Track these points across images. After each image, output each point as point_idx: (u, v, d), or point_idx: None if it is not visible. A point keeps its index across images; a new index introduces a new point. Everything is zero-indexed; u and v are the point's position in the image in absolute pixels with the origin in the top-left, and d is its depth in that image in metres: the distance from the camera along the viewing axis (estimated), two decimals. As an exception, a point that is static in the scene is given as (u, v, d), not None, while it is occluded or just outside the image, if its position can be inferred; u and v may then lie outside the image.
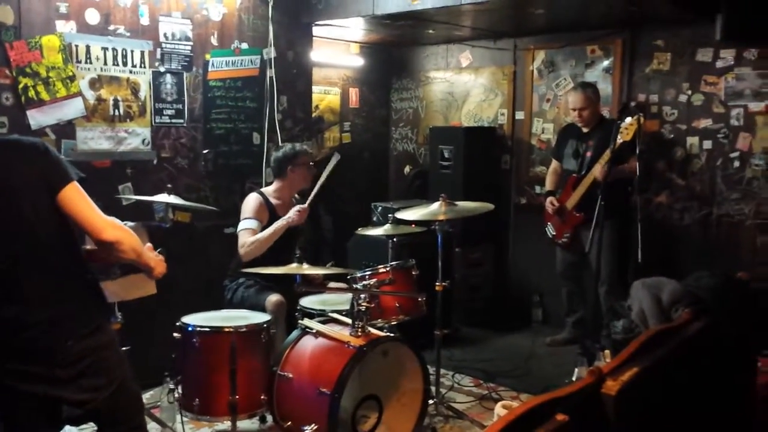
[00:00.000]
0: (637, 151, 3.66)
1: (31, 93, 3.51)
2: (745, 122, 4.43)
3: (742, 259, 4.42)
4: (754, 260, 4.36)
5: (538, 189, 5.34)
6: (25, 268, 2.03)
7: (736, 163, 4.49)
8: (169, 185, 3.56)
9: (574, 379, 2.58)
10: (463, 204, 3.73)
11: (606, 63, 4.99)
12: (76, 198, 2.04)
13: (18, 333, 2.02)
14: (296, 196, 4.01)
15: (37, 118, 3.54)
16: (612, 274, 4.40)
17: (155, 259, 2.26)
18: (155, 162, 4.04)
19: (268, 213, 3.76)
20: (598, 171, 4.28)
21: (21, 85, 3.47)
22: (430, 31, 5.28)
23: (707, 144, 4.59)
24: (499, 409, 2.84)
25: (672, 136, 4.73)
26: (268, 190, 3.89)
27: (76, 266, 2.13)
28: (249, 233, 3.65)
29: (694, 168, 4.65)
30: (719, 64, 4.51)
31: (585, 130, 4.56)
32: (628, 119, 3.96)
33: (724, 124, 4.51)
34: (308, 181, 3.90)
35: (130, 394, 2.27)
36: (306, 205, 3.75)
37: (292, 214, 3.69)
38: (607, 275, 4.37)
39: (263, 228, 3.68)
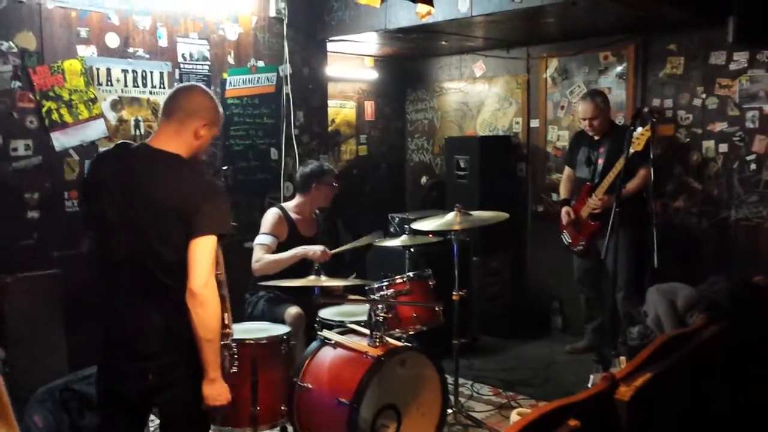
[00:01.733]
0: (651, 157, 3.66)
1: (55, 116, 3.62)
2: (761, 124, 4.42)
3: (760, 262, 4.38)
4: (774, 263, 4.33)
5: (554, 197, 5.35)
6: (156, 271, 2.15)
7: (753, 166, 4.46)
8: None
9: (589, 385, 2.59)
10: (477, 213, 3.76)
11: (619, 69, 5.00)
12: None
13: (140, 334, 2.15)
14: (317, 211, 4.05)
15: (60, 140, 3.64)
16: (629, 280, 4.39)
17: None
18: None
19: (288, 227, 3.79)
20: (595, 204, 4.40)
21: (45, 109, 3.58)
22: (443, 43, 5.33)
23: (723, 147, 4.57)
24: (514, 416, 2.86)
25: (687, 140, 4.72)
26: (289, 204, 3.92)
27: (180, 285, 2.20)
28: (263, 249, 3.68)
29: (711, 172, 4.63)
30: (733, 66, 4.50)
31: (596, 137, 4.57)
32: (640, 129, 3.97)
33: (740, 126, 4.50)
34: (329, 200, 3.94)
35: None
36: (331, 252, 3.73)
37: (315, 250, 3.65)
38: (624, 281, 4.36)
39: (280, 242, 3.72)
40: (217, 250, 2.18)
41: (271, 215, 3.80)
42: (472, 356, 4.66)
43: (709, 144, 4.63)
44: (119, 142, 2.37)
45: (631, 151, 3.99)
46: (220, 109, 2.33)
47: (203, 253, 2.10)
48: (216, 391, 2.21)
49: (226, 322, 2.23)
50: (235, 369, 2.41)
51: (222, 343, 2.22)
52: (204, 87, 2.37)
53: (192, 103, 2.25)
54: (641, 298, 4.12)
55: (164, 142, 2.21)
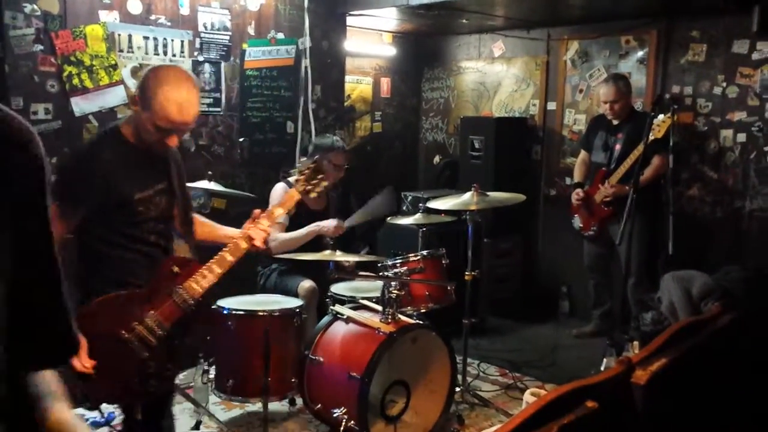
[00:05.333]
0: (671, 144, 3.65)
1: (76, 81, 3.62)
2: (781, 116, 4.39)
3: (774, 253, 4.38)
4: (787, 255, 4.32)
5: (568, 180, 5.34)
6: None
7: (771, 157, 4.44)
8: (210, 172, 3.64)
9: (602, 369, 2.61)
10: (494, 194, 3.75)
11: (640, 54, 4.95)
12: None
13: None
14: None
15: (80, 105, 3.65)
16: (641, 266, 4.39)
17: None
18: (192, 149, 4.13)
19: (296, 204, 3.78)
20: (607, 191, 4.40)
21: (66, 73, 3.58)
22: (464, 21, 5.29)
23: (741, 137, 4.54)
24: (528, 397, 2.88)
25: (705, 128, 4.69)
26: None
27: None
28: (277, 227, 3.66)
29: (728, 161, 4.61)
30: (755, 56, 4.45)
31: (615, 122, 4.55)
32: (661, 116, 3.95)
33: (759, 117, 4.46)
34: (335, 177, 3.85)
35: None
36: (345, 224, 3.69)
37: (329, 225, 3.64)
38: (636, 268, 4.36)
39: (291, 218, 3.69)
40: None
41: (279, 190, 3.74)
42: (479, 336, 4.69)
43: (727, 133, 4.60)
44: None
45: (651, 137, 3.98)
46: (163, 94, 2.08)
47: None
48: None
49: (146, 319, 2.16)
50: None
51: None
52: (176, 68, 2.21)
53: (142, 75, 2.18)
54: (652, 284, 4.13)
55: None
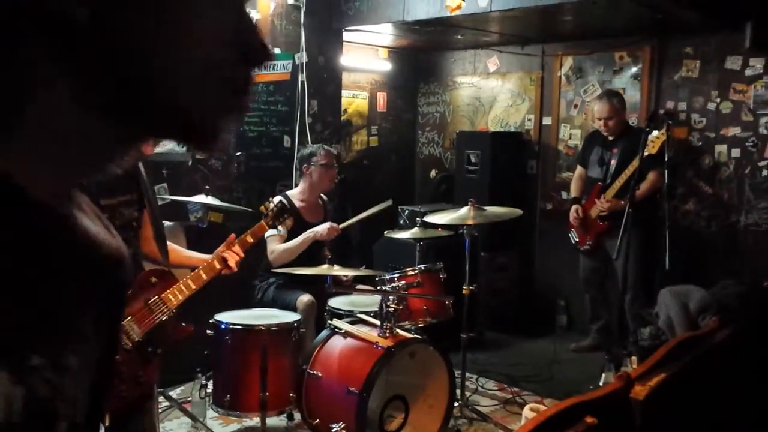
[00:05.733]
0: (666, 159, 3.68)
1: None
2: (775, 131, 4.43)
3: (769, 268, 4.40)
4: (782, 269, 4.34)
5: (564, 195, 5.36)
6: None
7: (765, 172, 4.47)
8: (207, 186, 3.65)
9: (600, 384, 2.61)
10: (491, 209, 3.78)
11: (634, 70, 5.00)
12: None
13: None
14: (323, 197, 4.06)
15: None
16: (637, 281, 4.41)
17: None
18: (189, 163, 4.14)
19: (293, 216, 3.82)
20: (603, 206, 4.41)
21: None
22: (459, 37, 5.33)
23: (735, 152, 4.58)
24: (527, 412, 2.88)
25: (700, 143, 4.72)
26: (293, 192, 3.93)
27: None
28: (277, 239, 3.70)
29: (722, 176, 4.64)
30: (748, 72, 4.50)
31: (610, 138, 4.58)
32: (655, 132, 3.98)
33: (753, 132, 4.50)
34: (329, 181, 3.88)
35: None
36: (339, 226, 3.76)
37: (323, 229, 3.69)
38: (633, 283, 4.37)
39: (288, 231, 3.74)
40: None
41: None
42: (477, 351, 4.69)
43: (721, 148, 4.64)
44: None
45: (645, 153, 4.01)
46: None
47: None
48: None
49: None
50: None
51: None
52: None
53: None
54: (649, 299, 4.14)
55: None
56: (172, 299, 2.25)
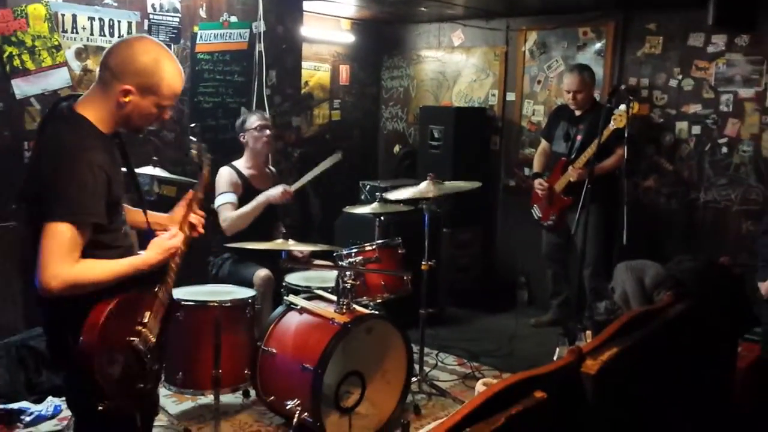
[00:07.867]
0: (626, 135, 3.66)
1: (17, 62, 3.45)
2: (735, 108, 4.45)
3: (727, 244, 4.45)
4: (739, 246, 4.40)
5: (527, 171, 5.35)
6: None
7: (724, 149, 4.50)
8: (154, 158, 3.53)
9: (555, 358, 2.60)
10: (450, 182, 3.73)
11: (598, 45, 4.97)
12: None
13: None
14: (272, 168, 4.04)
15: (22, 87, 3.48)
16: (597, 256, 4.42)
17: None
18: (141, 135, 3.98)
19: (242, 184, 3.75)
20: (573, 174, 4.33)
21: (6, 54, 3.41)
22: (423, 9, 5.23)
23: (696, 129, 4.60)
24: (479, 387, 2.86)
25: (661, 120, 4.73)
26: (240, 162, 3.85)
27: None
28: (229, 207, 3.66)
29: (683, 153, 4.67)
30: (710, 49, 4.51)
31: (577, 113, 4.55)
32: (622, 106, 3.96)
33: (714, 109, 4.52)
34: (263, 144, 3.80)
35: None
36: (291, 188, 3.74)
37: (276, 192, 3.69)
38: (593, 257, 4.39)
39: (239, 199, 3.68)
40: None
41: (225, 174, 3.75)
42: (438, 326, 4.67)
43: (682, 125, 4.65)
44: (58, 98, 2.10)
45: (612, 127, 4.00)
46: (168, 73, 1.91)
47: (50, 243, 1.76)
48: None
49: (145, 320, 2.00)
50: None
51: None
52: (152, 41, 1.95)
53: (120, 60, 1.88)
54: (609, 274, 4.15)
55: (86, 105, 1.90)
56: (169, 281, 2.12)
